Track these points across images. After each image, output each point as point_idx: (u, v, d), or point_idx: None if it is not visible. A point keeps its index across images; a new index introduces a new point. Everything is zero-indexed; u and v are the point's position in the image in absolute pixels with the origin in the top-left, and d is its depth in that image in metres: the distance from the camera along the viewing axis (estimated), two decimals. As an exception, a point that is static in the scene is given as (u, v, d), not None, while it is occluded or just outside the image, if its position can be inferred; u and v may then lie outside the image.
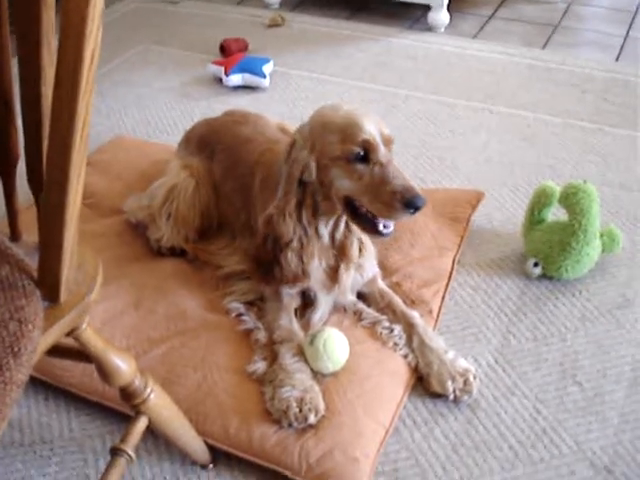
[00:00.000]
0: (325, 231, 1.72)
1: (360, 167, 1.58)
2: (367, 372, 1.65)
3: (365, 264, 1.82)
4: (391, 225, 1.63)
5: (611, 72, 3.23)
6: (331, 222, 1.72)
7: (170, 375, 1.63)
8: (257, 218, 1.79)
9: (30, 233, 1.18)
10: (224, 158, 2.00)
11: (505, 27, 3.79)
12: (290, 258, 1.68)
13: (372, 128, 1.58)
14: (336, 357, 1.63)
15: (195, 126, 2.20)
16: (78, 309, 1.04)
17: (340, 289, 1.78)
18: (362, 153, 1.57)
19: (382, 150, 1.58)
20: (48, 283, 1.00)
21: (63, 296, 1.02)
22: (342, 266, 1.76)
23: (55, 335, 1.01)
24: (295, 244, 1.68)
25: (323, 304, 1.79)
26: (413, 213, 1.55)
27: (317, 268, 1.74)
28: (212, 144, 2.05)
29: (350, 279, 1.79)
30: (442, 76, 3.21)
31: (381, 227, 1.62)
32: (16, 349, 0.89)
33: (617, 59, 3.42)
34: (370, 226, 1.63)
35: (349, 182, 1.60)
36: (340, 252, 1.76)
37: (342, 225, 1.74)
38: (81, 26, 0.81)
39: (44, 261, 0.99)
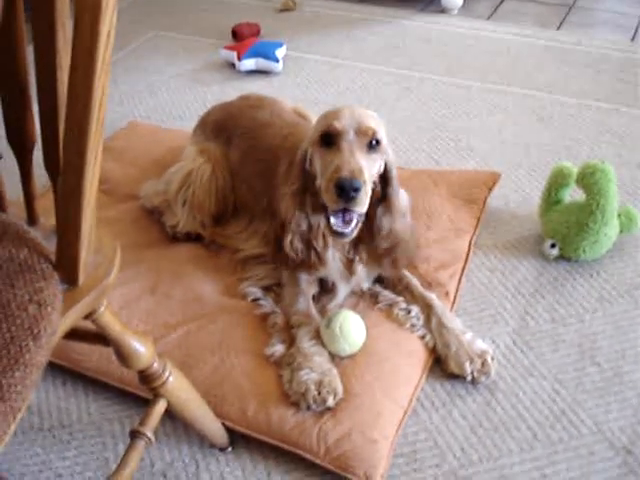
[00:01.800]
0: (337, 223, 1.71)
1: (325, 150, 1.59)
2: (384, 354, 1.65)
3: None
4: (348, 225, 1.59)
5: (626, 52, 3.20)
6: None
7: (188, 359, 1.64)
8: (280, 201, 1.78)
9: (47, 217, 1.19)
10: (242, 142, 2.00)
11: (519, 8, 3.76)
12: (291, 241, 1.68)
13: (347, 116, 1.58)
14: (353, 339, 1.63)
15: (211, 111, 2.20)
16: (96, 291, 1.04)
17: (356, 279, 1.79)
18: (329, 136, 1.58)
19: (348, 136, 1.57)
20: (66, 266, 1.00)
21: (81, 278, 1.02)
22: (357, 259, 1.76)
23: (74, 317, 1.01)
24: (294, 227, 1.68)
25: (341, 293, 1.80)
26: (344, 197, 1.51)
27: (333, 259, 1.74)
28: (229, 129, 2.05)
29: (365, 270, 1.79)
30: (456, 58, 3.19)
31: (332, 221, 1.59)
32: (36, 331, 0.89)
33: (632, 39, 3.39)
34: (328, 222, 1.61)
35: (319, 165, 1.60)
36: (355, 247, 1.75)
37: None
38: (96, 5, 0.81)
39: (62, 244, 0.99)
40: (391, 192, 1.69)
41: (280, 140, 1.89)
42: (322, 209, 1.65)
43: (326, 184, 1.55)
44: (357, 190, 1.51)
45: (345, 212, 1.57)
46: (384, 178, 1.67)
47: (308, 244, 1.70)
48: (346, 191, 1.50)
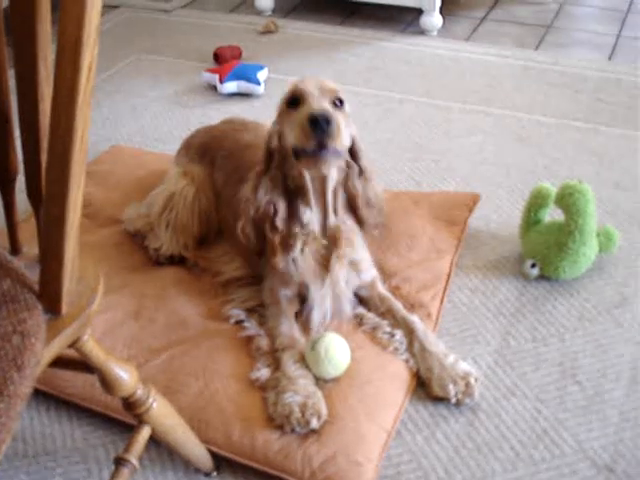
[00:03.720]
0: (311, 217, 1.72)
1: (293, 110, 1.63)
2: (368, 377, 1.66)
3: (361, 264, 1.82)
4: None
5: (604, 71, 3.24)
6: (317, 209, 1.72)
7: (172, 384, 1.64)
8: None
9: (30, 245, 1.19)
10: (226, 164, 2.02)
11: (498, 29, 3.80)
12: (243, 226, 1.73)
13: (310, 80, 1.65)
14: (337, 362, 1.64)
15: (195, 134, 2.22)
16: (80, 321, 1.04)
17: (332, 278, 1.77)
18: (294, 98, 1.63)
19: (313, 94, 1.61)
20: (49, 296, 1.01)
21: (65, 308, 1.03)
22: (333, 255, 1.75)
23: (57, 347, 1.02)
24: (249, 210, 1.71)
25: (318, 298, 1.78)
26: (317, 130, 1.53)
27: (305, 256, 1.75)
28: (213, 151, 2.07)
29: (343, 270, 1.78)
30: (436, 79, 3.22)
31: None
32: (19, 362, 0.90)
33: (610, 58, 3.44)
34: (305, 156, 1.60)
35: (288, 128, 1.63)
36: (332, 242, 1.75)
37: (332, 216, 1.74)
38: (78, 39, 0.82)
39: (45, 274, 1.00)
40: (364, 164, 1.74)
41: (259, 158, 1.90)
42: (282, 190, 1.70)
43: (298, 124, 1.57)
44: (329, 122, 1.54)
45: (319, 151, 1.57)
46: (353, 153, 1.72)
47: (260, 230, 1.72)
48: (319, 123, 1.53)
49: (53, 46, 0.90)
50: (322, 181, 1.68)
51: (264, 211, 1.70)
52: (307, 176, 1.66)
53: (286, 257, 1.74)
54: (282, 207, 1.71)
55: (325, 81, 1.66)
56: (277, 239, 1.72)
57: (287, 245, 1.73)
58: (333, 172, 1.67)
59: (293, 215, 1.72)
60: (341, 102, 1.65)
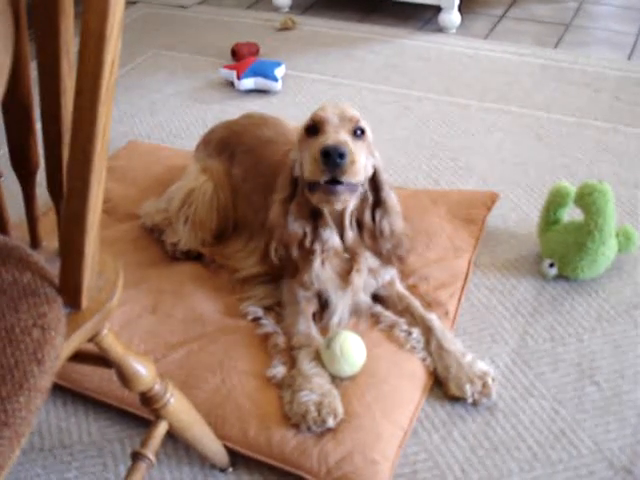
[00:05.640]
0: (331, 235, 1.74)
1: (311, 139, 1.63)
2: (384, 375, 1.65)
3: (380, 270, 1.82)
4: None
5: (624, 70, 3.22)
6: (334, 229, 1.74)
7: (189, 379, 1.64)
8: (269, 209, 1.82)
9: (50, 239, 1.19)
10: (245, 159, 2.02)
11: (517, 27, 3.78)
12: (276, 248, 1.74)
13: (330, 107, 1.64)
14: (353, 360, 1.64)
15: (214, 129, 2.21)
16: (99, 315, 1.05)
17: (353, 290, 1.77)
18: (313, 126, 1.64)
19: (332, 122, 1.61)
20: (70, 290, 1.01)
21: (85, 302, 1.03)
22: (354, 269, 1.76)
23: (77, 341, 1.02)
24: (279, 234, 1.72)
25: (339, 306, 1.78)
26: (330, 164, 1.52)
27: (326, 269, 1.75)
28: (232, 146, 2.07)
29: (362, 281, 1.79)
30: (454, 77, 3.21)
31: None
32: (40, 356, 0.90)
33: (629, 57, 3.41)
34: (318, 190, 1.60)
35: (305, 153, 1.63)
36: (352, 257, 1.76)
37: (350, 233, 1.75)
38: (101, 34, 0.82)
39: (65, 268, 1.00)
40: (385, 196, 1.74)
41: (281, 156, 1.90)
42: (308, 215, 1.71)
43: (312, 158, 1.57)
44: (343, 156, 1.52)
45: (334, 185, 1.57)
46: (375, 183, 1.72)
47: (287, 248, 1.73)
48: (332, 157, 1.52)
49: (76, 40, 0.90)
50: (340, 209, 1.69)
51: (294, 236, 1.72)
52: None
53: (308, 271, 1.75)
54: (309, 229, 1.73)
55: (346, 108, 1.65)
56: (302, 258, 1.74)
57: (308, 260, 1.74)
58: (351, 201, 1.68)
59: (315, 233, 1.74)
60: (362, 131, 1.65)
